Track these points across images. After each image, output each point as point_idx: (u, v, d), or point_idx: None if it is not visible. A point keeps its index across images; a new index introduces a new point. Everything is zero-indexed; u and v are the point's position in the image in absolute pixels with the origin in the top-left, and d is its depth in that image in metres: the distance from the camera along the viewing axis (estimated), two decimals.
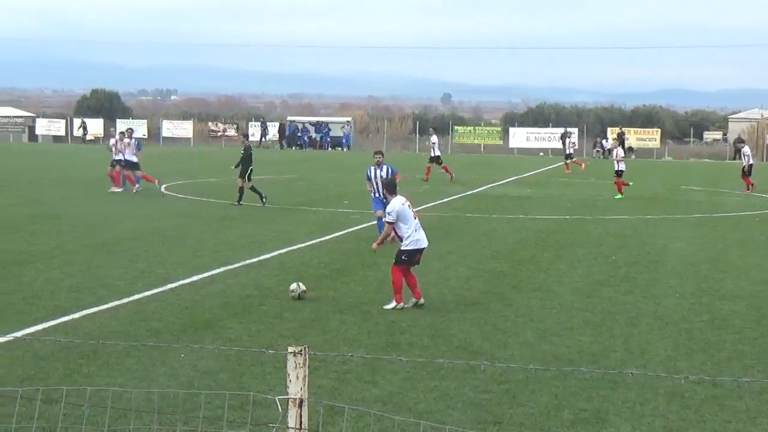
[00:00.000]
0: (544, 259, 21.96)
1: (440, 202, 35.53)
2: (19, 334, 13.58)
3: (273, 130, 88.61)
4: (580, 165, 55.92)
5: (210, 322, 14.78)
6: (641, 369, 12.40)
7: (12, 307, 15.47)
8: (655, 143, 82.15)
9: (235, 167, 33.23)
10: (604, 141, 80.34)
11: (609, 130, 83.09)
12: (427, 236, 16.62)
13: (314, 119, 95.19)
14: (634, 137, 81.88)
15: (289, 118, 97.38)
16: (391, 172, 22.79)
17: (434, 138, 48.51)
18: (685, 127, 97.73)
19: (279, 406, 6.34)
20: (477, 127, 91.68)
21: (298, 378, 6.22)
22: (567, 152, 58.16)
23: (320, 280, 18.32)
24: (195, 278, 18.41)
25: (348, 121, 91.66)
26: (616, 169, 38.84)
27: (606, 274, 19.86)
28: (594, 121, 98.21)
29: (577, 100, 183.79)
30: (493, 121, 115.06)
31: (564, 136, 63.44)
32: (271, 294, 16.96)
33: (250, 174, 33.15)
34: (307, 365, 6.23)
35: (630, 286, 18.47)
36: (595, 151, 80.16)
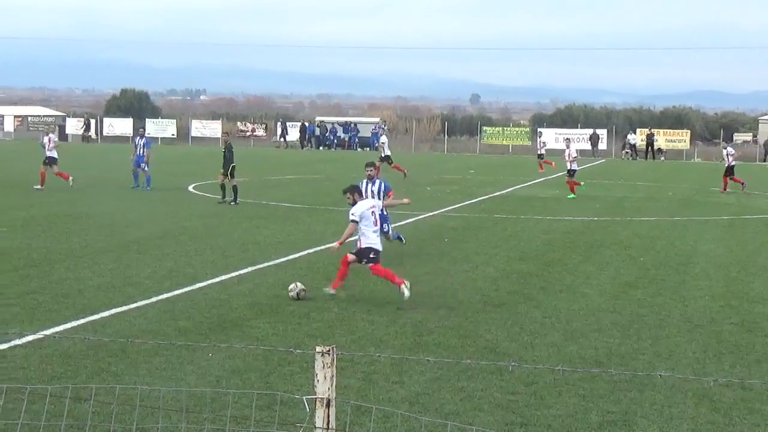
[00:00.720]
0: (571, 260, 21.90)
1: (468, 203, 35.50)
2: (48, 332, 13.65)
3: (295, 130, 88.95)
4: (551, 164, 55.83)
5: (238, 321, 14.82)
6: (669, 371, 12.34)
7: (42, 305, 15.55)
8: (685, 145, 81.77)
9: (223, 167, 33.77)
10: (630, 137, 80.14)
11: (638, 131, 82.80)
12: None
13: (343, 119, 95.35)
14: (663, 138, 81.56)
15: (318, 118, 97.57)
16: (385, 188, 20.59)
17: (384, 138, 48.85)
18: (715, 129, 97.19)
19: (306, 406, 6.35)
20: (505, 128, 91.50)
21: (325, 378, 6.23)
22: (539, 152, 59.73)
23: (347, 279, 18.31)
24: (223, 278, 18.47)
25: (381, 122, 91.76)
26: (568, 168, 39.21)
27: (634, 276, 19.79)
28: (623, 122, 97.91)
29: (606, 101, 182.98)
30: (521, 122, 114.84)
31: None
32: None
33: (232, 171, 33.47)
34: (334, 365, 6.24)
35: (658, 288, 18.40)
36: (624, 152, 79.89)
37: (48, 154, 38.20)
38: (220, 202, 32.75)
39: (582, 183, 39.67)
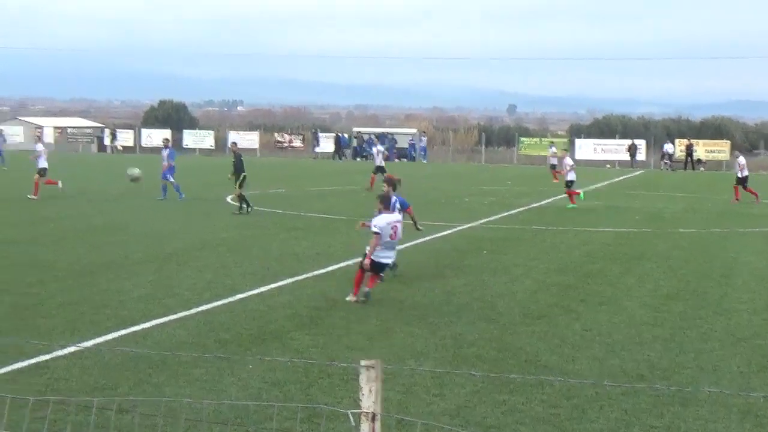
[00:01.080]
0: (611, 272, 21.77)
1: (506, 214, 35.39)
2: (89, 343, 13.72)
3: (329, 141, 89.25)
4: (555, 176, 55.20)
5: (277, 333, 14.82)
6: (713, 386, 12.21)
7: (83, 317, 15.63)
8: (725, 155, 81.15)
9: (231, 176, 34.11)
10: (667, 146, 79.65)
11: (677, 141, 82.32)
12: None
13: (379, 130, 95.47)
14: (702, 149, 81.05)
15: (355, 129, 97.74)
16: (401, 203, 19.92)
17: (379, 146, 48.85)
18: (755, 139, 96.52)
19: (352, 420, 6.33)
20: (543, 139, 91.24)
21: (371, 392, 6.20)
22: (550, 163, 60.44)
23: (386, 291, 18.30)
24: (262, 289, 18.50)
25: (420, 133, 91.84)
26: (566, 179, 39.34)
27: (675, 289, 19.64)
28: (662, 133, 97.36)
29: (643, 111, 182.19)
30: (558, 132, 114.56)
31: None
32: (339, 305, 16.99)
33: (242, 180, 33.68)
34: (380, 379, 6.21)
35: (700, 301, 18.25)
36: (663, 163, 79.43)
37: (40, 165, 38.99)
38: (234, 213, 32.89)
39: (581, 192, 39.68)
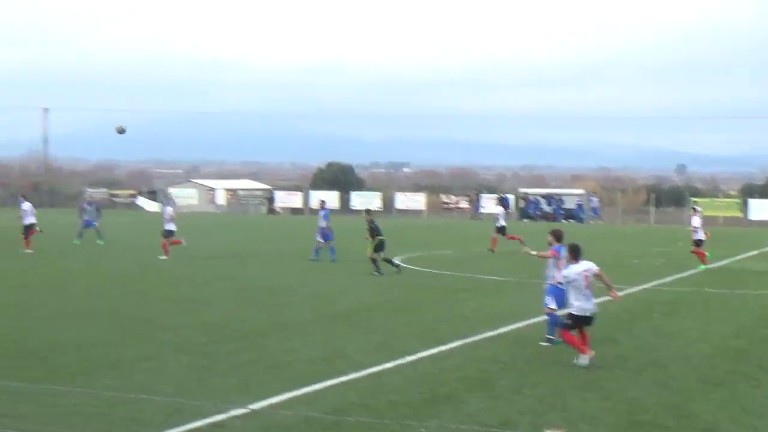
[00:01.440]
0: None
1: (678, 276, 34.61)
2: (263, 404, 13.86)
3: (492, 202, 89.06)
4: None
5: (449, 395, 14.71)
6: None
7: (255, 377, 15.84)
8: None
9: (368, 238, 34.18)
10: None
11: None
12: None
13: (545, 191, 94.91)
14: None
15: (521, 189, 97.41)
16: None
17: (500, 209, 47.96)
18: None
19: None
20: (715, 199, 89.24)
21: None
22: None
23: (557, 354, 18.04)
24: (432, 351, 18.43)
25: (590, 193, 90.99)
26: (695, 239, 38.60)
27: None
28: None
29: None
30: (730, 192, 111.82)
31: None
32: (509, 368, 16.81)
33: (379, 245, 33.75)
34: None
35: None
36: None
37: (166, 227, 39.76)
38: (374, 273, 33.12)
39: (708, 253, 38.57)
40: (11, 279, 30.73)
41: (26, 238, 41.29)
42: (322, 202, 41.64)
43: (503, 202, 63.06)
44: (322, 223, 39.06)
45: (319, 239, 38.96)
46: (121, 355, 17.60)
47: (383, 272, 33.06)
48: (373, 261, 33.65)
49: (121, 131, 37.04)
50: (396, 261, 34.77)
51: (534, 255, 20.86)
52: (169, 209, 40.98)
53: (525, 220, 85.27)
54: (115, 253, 41.04)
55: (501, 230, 45.58)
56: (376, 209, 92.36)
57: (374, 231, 34.23)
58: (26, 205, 42.36)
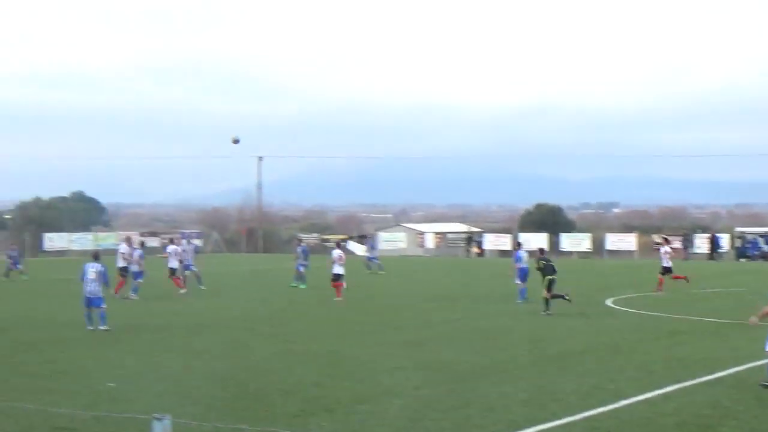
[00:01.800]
0: None
1: None
2: None
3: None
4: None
5: None
6: None
7: (469, 420, 15.85)
8: None
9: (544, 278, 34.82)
10: None
11: None
12: None
13: (764, 230, 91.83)
14: None
15: (737, 229, 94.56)
16: None
17: (666, 248, 45.83)
18: None
19: None
20: None
21: None
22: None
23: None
24: (648, 395, 18.04)
25: None
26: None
27: None
28: None
29: None
30: None
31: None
32: (730, 414, 16.29)
33: (550, 284, 34.39)
34: None
35: None
36: None
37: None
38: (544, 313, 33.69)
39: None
40: (234, 321, 31.70)
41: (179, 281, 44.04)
42: (518, 244, 41.95)
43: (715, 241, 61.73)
44: (517, 264, 39.11)
45: (518, 281, 38.92)
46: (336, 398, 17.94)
47: (552, 312, 33.50)
48: (546, 301, 34.18)
49: (236, 141, 39.46)
50: (564, 294, 34.81)
51: (757, 321, 19.96)
52: (338, 252, 41.32)
53: (742, 260, 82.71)
54: (322, 296, 41.46)
55: (667, 270, 44.72)
56: (586, 250, 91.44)
57: (547, 269, 34.76)
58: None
